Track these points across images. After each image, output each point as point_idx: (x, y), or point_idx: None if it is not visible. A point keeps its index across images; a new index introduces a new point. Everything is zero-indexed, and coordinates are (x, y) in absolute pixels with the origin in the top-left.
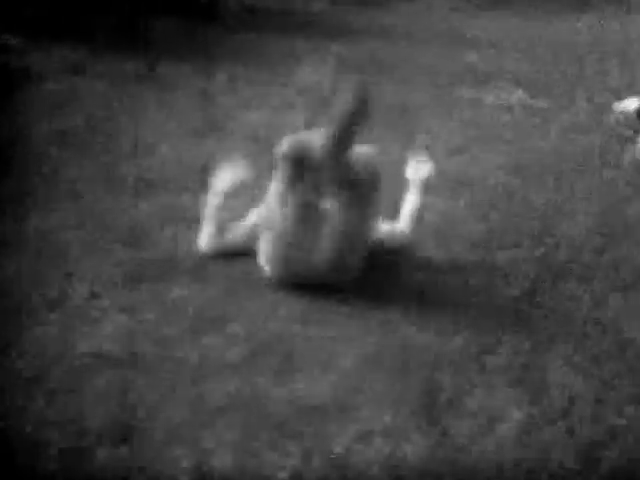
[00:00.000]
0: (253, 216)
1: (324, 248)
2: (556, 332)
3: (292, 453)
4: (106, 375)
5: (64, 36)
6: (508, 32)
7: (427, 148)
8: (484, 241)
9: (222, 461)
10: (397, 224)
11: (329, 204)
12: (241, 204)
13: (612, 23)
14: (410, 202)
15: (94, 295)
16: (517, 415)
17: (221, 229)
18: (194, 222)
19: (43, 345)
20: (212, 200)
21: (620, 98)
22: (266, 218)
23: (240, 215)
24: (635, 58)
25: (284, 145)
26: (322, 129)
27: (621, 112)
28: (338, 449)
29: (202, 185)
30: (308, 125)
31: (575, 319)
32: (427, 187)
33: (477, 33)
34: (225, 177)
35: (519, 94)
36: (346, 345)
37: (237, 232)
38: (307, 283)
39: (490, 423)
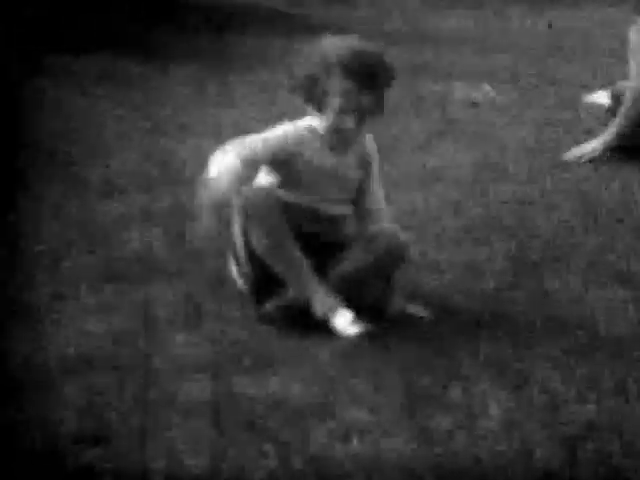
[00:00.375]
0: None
1: None
2: (534, 327)
3: (269, 453)
4: (75, 378)
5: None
6: (477, 28)
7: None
8: (458, 237)
9: (197, 461)
10: None
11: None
12: None
13: (575, 16)
14: None
15: (59, 297)
16: (496, 410)
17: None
18: (160, 221)
19: (8, 349)
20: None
21: (588, 91)
22: None
23: None
24: (599, 51)
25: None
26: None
27: (591, 105)
28: (316, 447)
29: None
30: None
31: (553, 315)
32: None
33: (446, 28)
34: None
35: (486, 89)
36: (323, 342)
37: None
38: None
39: (469, 418)
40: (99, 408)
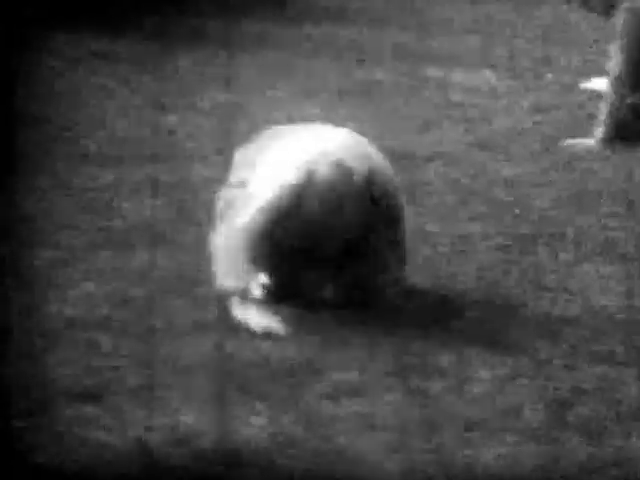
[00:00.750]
0: None
1: None
2: (525, 298)
3: (261, 412)
4: (72, 338)
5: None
6: (475, 15)
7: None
8: (454, 212)
9: (190, 419)
10: None
11: None
12: None
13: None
14: None
15: (59, 261)
16: (486, 376)
17: None
18: (164, 191)
19: (5, 310)
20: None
21: (586, 77)
22: None
23: None
24: (596, 39)
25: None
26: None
27: (591, 91)
28: (307, 408)
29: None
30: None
31: (544, 286)
32: None
33: (445, 15)
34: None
35: (486, 75)
36: (317, 309)
37: None
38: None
39: (459, 383)
40: (97, 367)
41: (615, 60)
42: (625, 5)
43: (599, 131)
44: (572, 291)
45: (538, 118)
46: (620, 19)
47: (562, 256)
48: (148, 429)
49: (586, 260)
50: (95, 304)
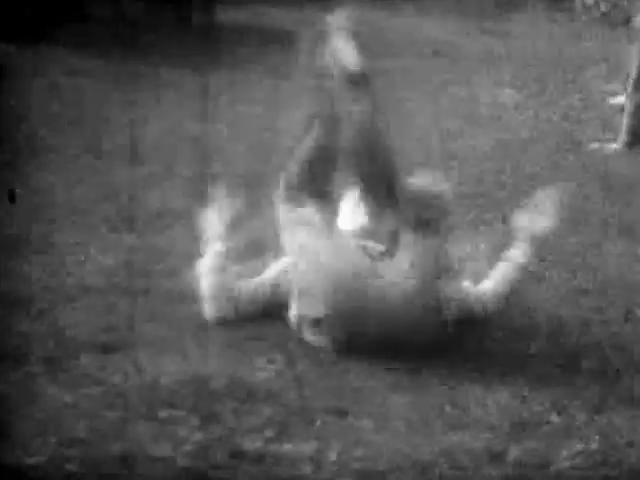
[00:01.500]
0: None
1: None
2: (545, 270)
3: (276, 360)
4: (90, 301)
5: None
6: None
7: None
8: (474, 198)
9: (207, 367)
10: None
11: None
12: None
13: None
14: (512, 259)
15: (79, 243)
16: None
17: (228, 289)
18: (182, 182)
19: (29, 278)
20: (208, 256)
21: (614, 95)
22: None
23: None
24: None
25: None
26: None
27: (619, 106)
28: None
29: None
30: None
31: (567, 261)
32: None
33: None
34: (215, 220)
35: (509, 92)
36: None
37: (252, 290)
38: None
39: None
40: (111, 325)
41: (634, 63)
42: None
43: (622, 136)
44: (594, 266)
45: (566, 126)
46: (637, 22)
47: (586, 237)
48: (166, 376)
49: (608, 241)
50: (111, 272)
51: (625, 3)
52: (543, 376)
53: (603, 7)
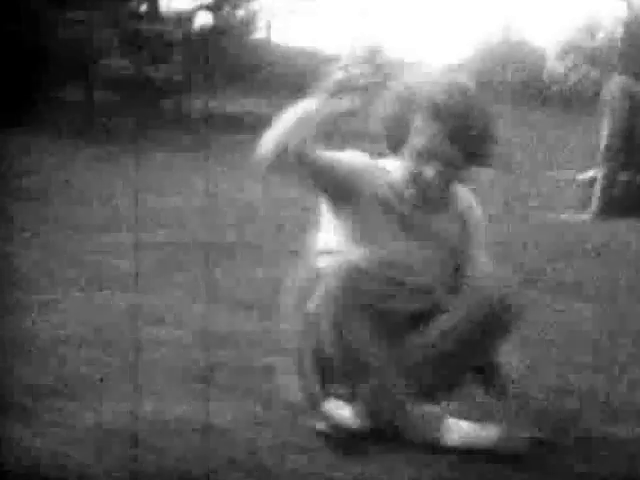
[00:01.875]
0: None
1: None
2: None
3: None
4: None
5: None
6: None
7: None
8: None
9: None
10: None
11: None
12: None
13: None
14: None
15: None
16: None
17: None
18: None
19: None
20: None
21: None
22: None
23: None
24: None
25: None
26: None
27: (589, 180)
28: None
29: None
30: None
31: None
32: None
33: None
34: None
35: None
36: None
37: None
38: None
39: None
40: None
41: (605, 132)
42: (613, 80)
43: (594, 206)
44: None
45: (535, 203)
46: (607, 94)
47: None
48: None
49: None
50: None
51: (596, 74)
52: None
53: (573, 77)
